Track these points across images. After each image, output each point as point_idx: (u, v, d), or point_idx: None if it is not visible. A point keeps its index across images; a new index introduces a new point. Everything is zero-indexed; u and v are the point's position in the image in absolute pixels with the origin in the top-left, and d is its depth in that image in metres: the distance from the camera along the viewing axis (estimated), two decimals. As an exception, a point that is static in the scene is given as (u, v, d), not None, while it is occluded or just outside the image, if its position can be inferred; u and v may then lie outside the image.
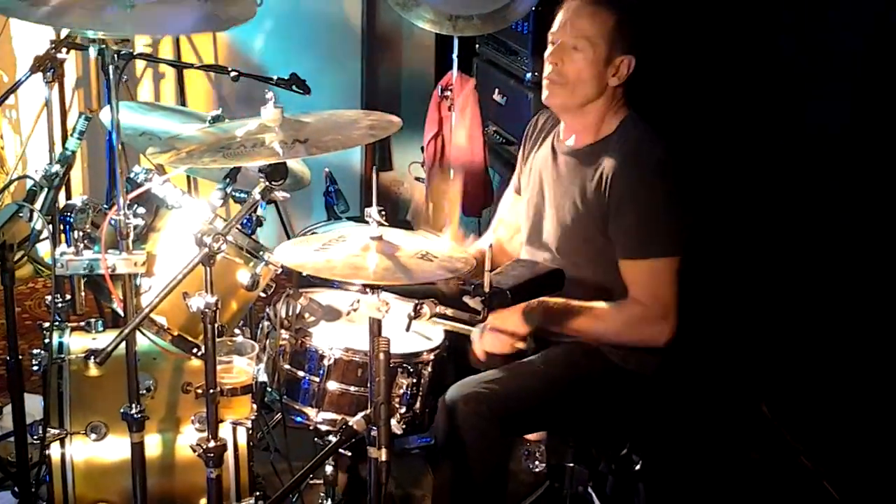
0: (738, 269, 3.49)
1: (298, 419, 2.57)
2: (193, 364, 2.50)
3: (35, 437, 2.46)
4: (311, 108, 2.42)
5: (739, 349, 3.47)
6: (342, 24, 4.97)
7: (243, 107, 4.37)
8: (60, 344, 2.62)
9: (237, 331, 2.57)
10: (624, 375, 2.63)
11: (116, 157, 2.26)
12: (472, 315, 2.17)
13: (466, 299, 2.15)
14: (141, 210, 2.31)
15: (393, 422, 2.17)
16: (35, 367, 2.55)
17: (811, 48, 3.27)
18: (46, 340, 2.60)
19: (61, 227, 2.42)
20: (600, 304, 2.59)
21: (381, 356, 2.10)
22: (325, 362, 2.52)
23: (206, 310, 2.12)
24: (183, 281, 2.12)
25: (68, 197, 3.47)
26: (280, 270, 2.46)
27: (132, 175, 2.50)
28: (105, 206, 2.43)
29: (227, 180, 2.41)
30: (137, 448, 2.34)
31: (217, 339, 2.18)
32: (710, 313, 3.25)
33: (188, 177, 3.91)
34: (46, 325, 2.62)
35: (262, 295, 2.52)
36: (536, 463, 3.12)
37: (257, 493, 2.50)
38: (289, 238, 3.80)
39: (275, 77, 2.97)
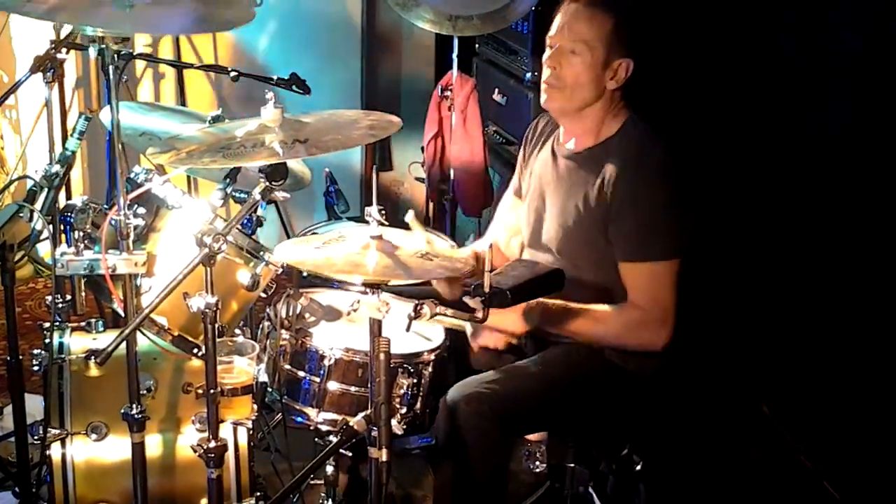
0: (739, 269, 3.49)
1: (299, 419, 2.57)
2: (194, 364, 2.50)
3: (36, 437, 2.46)
4: (311, 108, 2.42)
5: (740, 349, 3.47)
6: (342, 25, 4.97)
7: (243, 107, 4.38)
8: (61, 344, 2.62)
9: (238, 331, 2.57)
10: (624, 376, 2.63)
11: (117, 158, 2.25)
12: (472, 315, 2.17)
13: (466, 299, 2.15)
14: (141, 210, 2.31)
15: (393, 422, 2.17)
16: (35, 368, 2.55)
17: (811, 48, 3.27)
18: (47, 341, 2.59)
19: (62, 227, 2.42)
20: (599, 307, 2.59)
21: (382, 356, 2.10)
22: (326, 362, 2.52)
23: (207, 310, 2.13)
24: (183, 281, 2.12)
25: (68, 197, 3.47)
26: (280, 271, 2.46)
27: (132, 175, 2.50)
28: (105, 206, 2.43)
29: (228, 180, 2.41)
30: (138, 448, 2.35)
31: (217, 340, 2.18)
32: (710, 313, 3.25)
33: (188, 177, 3.92)
34: (47, 325, 2.62)
35: (263, 295, 2.53)
36: (537, 463, 3.12)
37: (258, 494, 2.51)
38: (289, 238, 3.80)
39: (275, 77, 2.98)
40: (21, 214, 2.46)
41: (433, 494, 2.83)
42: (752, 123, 3.47)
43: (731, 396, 3.46)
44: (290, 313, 2.54)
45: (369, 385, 2.21)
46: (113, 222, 2.23)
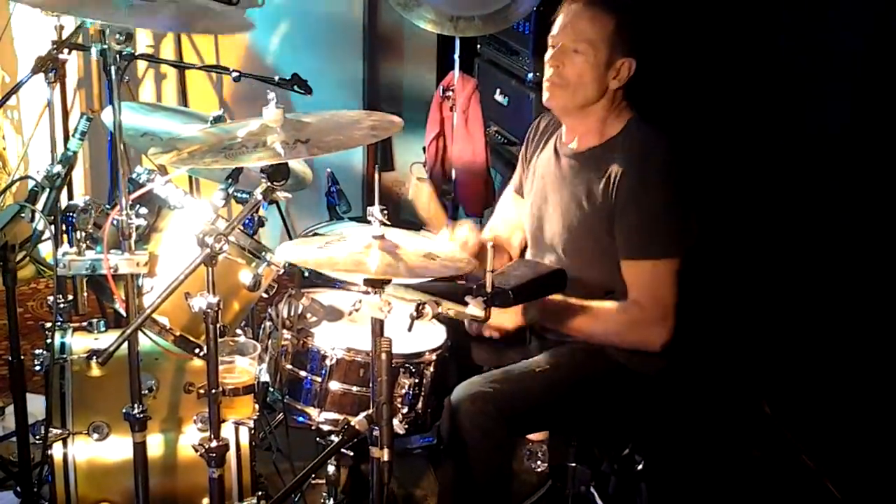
0: (740, 268, 3.49)
1: (300, 419, 2.58)
2: (195, 364, 2.50)
3: (37, 437, 2.46)
4: (313, 108, 2.42)
5: (740, 347, 3.47)
6: (344, 25, 4.97)
7: (245, 107, 4.39)
8: (62, 344, 2.62)
9: (239, 331, 2.57)
10: (627, 375, 2.63)
11: (118, 158, 2.25)
12: (473, 316, 2.17)
13: (468, 299, 2.15)
14: (143, 210, 2.31)
15: (395, 422, 2.17)
16: (37, 368, 2.55)
17: (811, 48, 3.27)
18: (48, 341, 2.60)
19: (63, 227, 2.42)
20: (600, 304, 2.59)
21: (384, 356, 2.11)
22: (328, 362, 2.53)
23: (209, 310, 2.13)
24: (185, 281, 2.12)
25: (70, 197, 3.47)
26: (282, 271, 2.46)
27: (134, 175, 2.50)
28: (107, 206, 2.43)
29: (229, 181, 2.41)
30: (140, 448, 2.35)
31: (219, 340, 2.18)
32: (711, 312, 3.25)
33: (190, 177, 3.92)
34: (49, 325, 2.62)
35: (265, 295, 2.52)
36: (539, 463, 3.13)
37: (259, 493, 2.51)
38: (291, 238, 3.80)
39: (276, 77, 2.98)
40: (23, 215, 2.46)
41: (438, 493, 2.83)
42: (751, 123, 3.47)
43: (732, 395, 3.46)
44: (292, 313, 2.54)
45: (371, 385, 2.21)
46: (115, 222, 2.23)
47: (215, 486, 2.26)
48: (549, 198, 2.76)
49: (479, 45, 4.49)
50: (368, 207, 2.15)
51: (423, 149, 4.25)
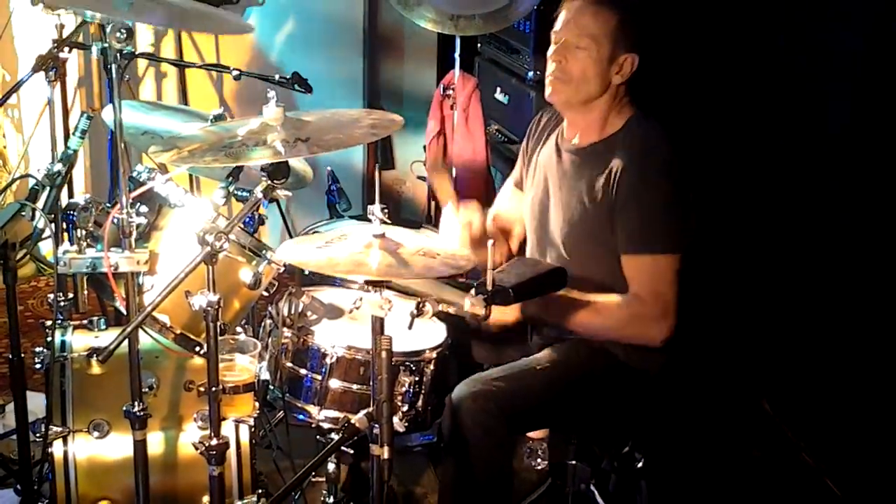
0: (740, 267, 3.50)
1: (301, 417, 2.58)
2: (196, 362, 2.50)
3: (37, 434, 2.46)
4: (314, 107, 2.42)
5: (741, 346, 3.47)
6: (344, 24, 4.97)
7: (245, 106, 4.39)
8: (63, 342, 2.62)
9: (239, 329, 2.58)
10: (628, 373, 2.63)
11: (119, 156, 2.26)
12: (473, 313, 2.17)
13: (469, 297, 2.15)
14: (144, 209, 2.31)
15: (395, 419, 2.18)
16: (37, 366, 2.55)
17: (811, 48, 3.27)
18: (49, 338, 2.60)
19: (64, 225, 2.42)
20: (600, 298, 2.59)
21: (384, 354, 2.11)
22: (328, 360, 2.53)
23: (209, 308, 2.13)
24: (185, 279, 2.12)
25: (70, 196, 3.47)
26: (282, 269, 2.46)
27: (135, 174, 2.50)
28: (108, 204, 2.44)
29: (230, 179, 2.42)
30: (140, 446, 2.35)
31: (219, 338, 2.19)
32: (711, 310, 3.26)
33: (190, 175, 3.92)
34: (49, 323, 2.62)
35: (265, 293, 2.53)
36: (539, 460, 3.14)
37: (259, 491, 2.51)
38: (291, 237, 3.80)
39: (276, 76, 2.98)
40: (23, 213, 2.46)
41: (438, 491, 2.83)
42: (751, 123, 3.47)
43: (733, 393, 3.46)
44: (292, 311, 2.54)
45: (371, 383, 2.21)
46: (115, 221, 2.23)
47: (215, 484, 2.26)
48: (550, 193, 2.76)
49: (479, 44, 4.50)
50: (369, 206, 2.16)
51: (424, 147, 4.25)
